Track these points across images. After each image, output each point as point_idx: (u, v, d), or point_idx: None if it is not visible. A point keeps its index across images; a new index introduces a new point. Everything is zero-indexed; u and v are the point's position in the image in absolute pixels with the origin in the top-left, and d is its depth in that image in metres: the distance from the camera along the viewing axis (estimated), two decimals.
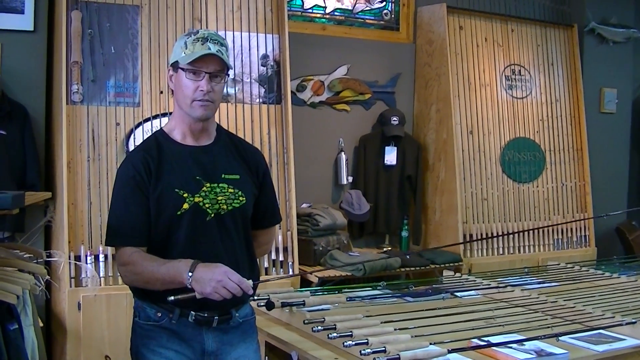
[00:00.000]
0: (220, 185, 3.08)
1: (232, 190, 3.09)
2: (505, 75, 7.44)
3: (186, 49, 3.01)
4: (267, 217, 3.36)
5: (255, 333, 3.31)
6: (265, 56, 6.15)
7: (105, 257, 5.34)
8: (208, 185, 3.06)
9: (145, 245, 3.03)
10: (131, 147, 5.28)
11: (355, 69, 7.20)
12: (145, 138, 3.24)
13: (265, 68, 6.13)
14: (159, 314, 3.05)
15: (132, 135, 5.53)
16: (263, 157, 3.35)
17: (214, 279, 2.85)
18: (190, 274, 2.87)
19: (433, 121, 7.28)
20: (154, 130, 3.90)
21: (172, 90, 3.11)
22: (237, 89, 5.98)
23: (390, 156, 7.13)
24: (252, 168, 3.24)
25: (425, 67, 7.39)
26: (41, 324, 4.09)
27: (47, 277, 4.14)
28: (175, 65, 3.05)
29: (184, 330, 3.07)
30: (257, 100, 6.10)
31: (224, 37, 3.21)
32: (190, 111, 3.04)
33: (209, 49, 2.99)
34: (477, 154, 7.17)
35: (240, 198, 3.10)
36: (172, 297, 2.89)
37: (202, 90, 3.00)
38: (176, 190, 3.01)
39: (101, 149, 5.48)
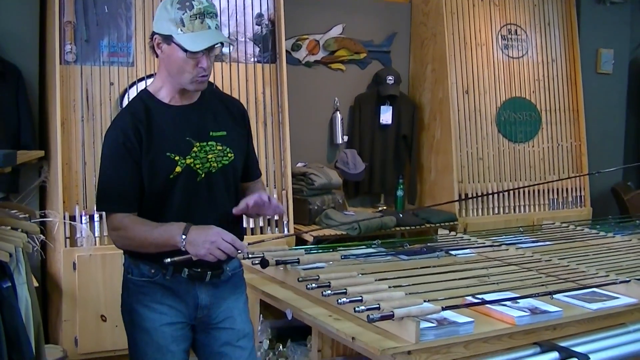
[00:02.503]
0: (209, 143, 3.06)
1: (220, 148, 3.08)
2: (501, 35, 7.39)
3: (183, 26, 2.92)
4: (253, 169, 3.35)
5: (244, 285, 3.33)
6: (260, 15, 6.10)
7: (100, 217, 5.34)
8: (198, 144, 3.04)
9: (136, 211, 3.02)
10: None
11: (351, 28, 7.15)
12: (130, 100, 3.19)
13: (259, 27, 6.09)
14: (153, 271, 3.05)
15: (126, 95, 5.51)
16: (245, 108, 3.33)
17: (207, 240, 2.85)
18: (183, 236, 2.87)
19: (429, 81, 7.25)
20: None
21: (157, 55, 3.05)
22: (231, 48, 5.94)
23: (386, 116, 7.11)
24: (239, 120, 3.22)
25: (421, 27, 7.34)
26: (36, 284, 4.09)
27: (42, 236, 4.13)
28: (168, 38, 2.98)
29: (177, 286, 3.08)
30: (252, 59, 6.07)
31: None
32: (186, 85, 3.00)
33: (209, 27, 2.94)
34: (473, 113, 7.14)
35: (229, 154, 3.09)
36: (168, 260, 2.89)
37: (202, 68, 2.97)
38: (168, 154, 2.99)
39: (95, 109, 5.46)
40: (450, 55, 7.04)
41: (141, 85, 5.46)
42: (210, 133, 3.07)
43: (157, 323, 3.07)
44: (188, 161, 3.01)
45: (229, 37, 5.86)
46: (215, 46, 2.98)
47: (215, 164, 3.07)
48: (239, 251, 2.95)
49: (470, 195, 6.99)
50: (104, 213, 5.11)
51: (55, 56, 5.32)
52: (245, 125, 3.26)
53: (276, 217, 5.94)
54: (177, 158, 3.00)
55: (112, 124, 3.09)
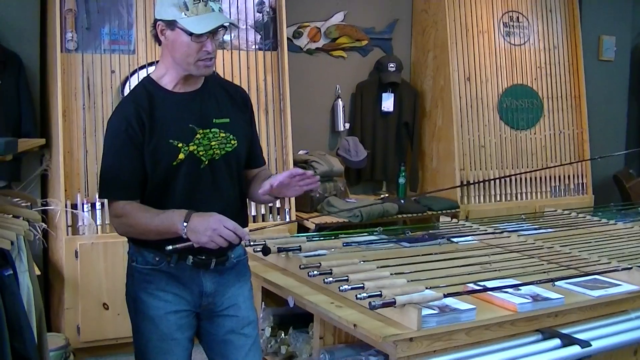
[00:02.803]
0: (212, 130, 3.05)
1: (223, 135, 3.06)
2: (503, 22, 7.37)
3: (187, 10, 2.90)
4: (258, 155, 3.33)
5: (248, 273, 3.31)
6: (261, 2, 6.09)
7: (102, 205, 5.35)
8: (201, 131, 3.02)
9: (138, 198, 3.01)
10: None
11: (352, 15, 7.14)
12: (133, 87, 3.18)
13: (261, 14, 6.08)
14: (157, 258, 3.04)
15: (127, 83, 5.51)
16: (247, 95, 3.31)
17: (209, 228, 2.84)
18: (185, 224, 2.86)
19: (430, 68, 7.24)
20: None
21: (160, 42, 3.04)
22: (232, 35, 5.94)
23: (387, 103, 7.10)
24: (242, 107, 3.20)
25: (422, 14, 7.33)
26: (38, 273, 4.09)
27: (43, 224, 4.12)
28: (172, 23, 2.97)
29: (182, 274, 3.07)
30: (253, 46, 6.06)
31: None
32: (192, 70, 2.98)
33: (212, 9, 2.93)
34: (475, 101, 7.13)
35: (232, 142, 3.08)
36: (170, 247, 2.88)
37: (207, 51, 2.95)
38: (171, 140, 2.98)
39: (96, 97, 5.46)
40: (452, 43, 7.02)
41: (142, 73, 5.46)
42: (214, 120, 3.05)
43: (162, 311, 3.06)
44: (191, 148, 3.00)
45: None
46: (220, 29, 2.97)
47: (219, 151, 3.05)
48: (241, 239, 2.94)
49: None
50: (105, 201, 5.15)
51: (56, 44, 5.31)
52: (249, 111, 3.24)
53: (278, 205, 5.95)
54: (180, 145, 2.99)
55: (114, 111, 3.08)
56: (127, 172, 2.97)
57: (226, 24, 3.01)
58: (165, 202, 3.00)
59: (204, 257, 3.05)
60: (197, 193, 3.03)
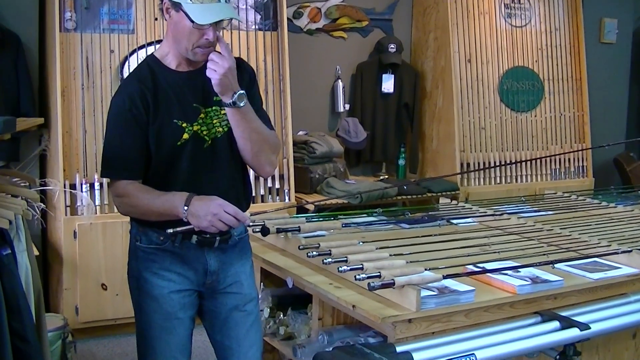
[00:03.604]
0: (214, 108, 3.04)
1: (224, 112, 3.04)
2: (504, 3, 7.34)
3: None
4: None
5: (249, 250, 3.32)
6: None
7: (101, 185, 5.34)
8: (204, 110, 3.02)
9: (141, 178, 3.01)
10: (126, 75, 5.22)
11: None
12: (136, 66, 3.17)
13: None
14: (162, 238, 3.04)
15: (126, 63, 5.49)
16: (250, 67, 3.27)
17: (209, 212, 2.84)
18: (185, 208, 2.86)
19: (431, 49, 7.22)
20: None
21: (165, 19, 3.03)
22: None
23: (388, 84, 7.09)
24: (246, 81, 3.14)
25: None
26: (36, 253, 4.08)
27: (41, 204, 4.11)
28: (177, 5, 2.94)
29: (186, 253, 3.07)
30: (253, 27, 6.04)
31: None
32: (189, 55, 2.96)
33: (219, 0, 2.91)
34: (475, 82, 7.11)
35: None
36: (170, 230, 2.88)
37: (207, 39, 2.92)
38: (175, 121, 2.97)
39: (95, 76, 5.45)
40: (453, 24, 7.00)
41: (142, 53, 5.45)
42: (215, 98, 3.03)
43: (166, 290, 3.07)
44: (195, 128, 2.99)
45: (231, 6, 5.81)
46: (223, 20, 2.95)
47: (221, 129, 3.04)
48: (241, 223, 2.94)
49: (472, 165, 6.99)
50: (104, 181, 5.16)
51: (55, 24, 5.30)
52: (253, 85, 3.20)
53: (277, 186, 5.96)
54: (184, 125, 2.98)
55: (118, 89, 3.06)
56: (131, 151, 2.97)
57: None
58: (169, 182, 3.00)
59: (207, 236, 3.05)
60: (200, 173, 3.03)
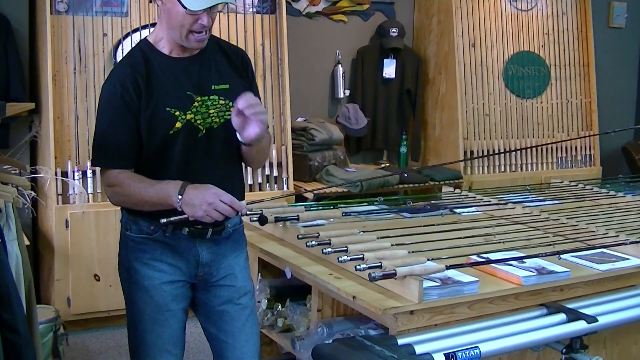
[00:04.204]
0: (211, 97, 3.02)
1: (222, 102, 3.03)
2: None
3: None
4: None
5: (244, 242, 3.31)
6: None
7: (93, 173, 5.34)
8: (199, 99, 3.00)
9: (132, 167, 3.00)
10: (119, 59, 5.22)
11: None
12: (129, 50, 3.15)
13: None
14: (152, 227, 3.03)
15: (120, 47, 5.48)
16: (248, 56, 3.28)
17: (204, 201, 2.83)
18: (179, 197, 2.85)
19: (434, 33, 7.20)
20: None
21: (157, 5, 3.02)
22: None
23: (389, 69, 7.07)
24: (241, 70, 3.16)
25: None
26: (27, 242, 4.08)
27: (32, 193, 4.11)
28: None
29: (177, 243, 3.06)
30: (251, 9, 6.02)
31: None
32: (183, 41, 2.95)
33: None
34: (480, 67, 7.09)
35: (232, 109, 3.05)
36: (164, 220, 2.87)
37: (201, 24, 2.92)
38: (168, 108, 2.95)
39: (88, 60, 5.43)
40: (457, 7, 6.98)
41: (135, 37, 5.44)
42: (213, 87, 3.02)
43: (157, 281, 3.06)
44: (189, 116, 2.98)
45: None
46: (217, 4, 2.94)
47: (218, 119, 3.03)
48: (238, 212, 2.94)
49: (476, 153, 6.97)
50: (97, 169, 5.14)
51: (45, 6, 5.28)
52: (248, 74, 3.21)
53: (275, 173, 5.95)
54: (177, 113, 2.96)
55: (110, 75, 3.05)
56: (122, 139, 2.96)
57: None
58: (161, 171, 2.99)
59: (200, 227, 3.03)
60: (193, 163, 3.02)
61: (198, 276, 3.13)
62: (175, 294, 3.10)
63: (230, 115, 3.01)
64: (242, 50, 3.29)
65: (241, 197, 3.17)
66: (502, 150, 7.11)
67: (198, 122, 3.00)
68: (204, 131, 3.01)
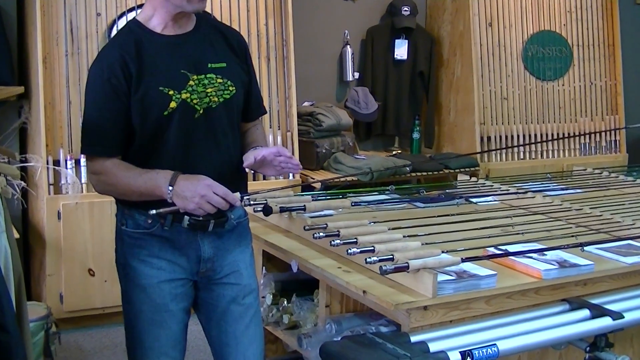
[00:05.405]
0: (208, 76, 3.02)
1: (220, 80, 3.03)
2: None
3: None
4: (254, 107, 3.29)
5: (249, 236, 3.30)
6: None
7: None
8: (195, 77, 3.00)
9: (120, 154, 2.98)
10: None
11: None
12: (118, 31, 3.15)
13: None
14: (150, 221, 3.01)
15: (114, 27, 5.48)
16: (245, 41, 3.28)
17: (197, 194, 2.83)
18: (170, 188, 2.84)
19: (448, 12, 7.20)
20: None
21: None
22: None
23: (401, 50, 7.07)
24: (238, 52, 3.17)
25: None
26: (17, 235, 4.09)
27: (22, 183, 4.12)
28: None
29: (177, 237, 3.05)
30: None
31: None
32: (184, 5, 2.95)
33: None
34: (497, 48, 7.09)
35: (230, 88, 3.04)
36: (154, 211, 2.85)
37: None
38: (160, 88, 2.94)
39: (80, 42, 5.43)
40: None
41: (131, 16, 5.41)
42: (209, 65, 3.02)
43: (155, 279, 3.05)
44: (184, 96, 2.97)
45: None
46: None
47: (216, 99, 3.02)
48: (232, 205, 2.93)
49: (493, 138, 6.98)
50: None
51: None
52: (247, 59, 3.21)
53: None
54: (171, 92, 2.95)
55: (97, 57, 3.05)
56: (109, 125, 2.95)
57: None
58: (158, 156, 2.98)
59: (201, 219, 3.01)
60: (192, 146, 3.01)
61: (200, 273, 3.12)
62: (174, 294, 3.09)
63: (228, 94, 3.04)
64: (241, 35, 3.30)
65: (244, 183, 3.18)
66: (520, 136, 7.10)
67: (194, 101, 2.98)
68: (201, 111, 3.00)
